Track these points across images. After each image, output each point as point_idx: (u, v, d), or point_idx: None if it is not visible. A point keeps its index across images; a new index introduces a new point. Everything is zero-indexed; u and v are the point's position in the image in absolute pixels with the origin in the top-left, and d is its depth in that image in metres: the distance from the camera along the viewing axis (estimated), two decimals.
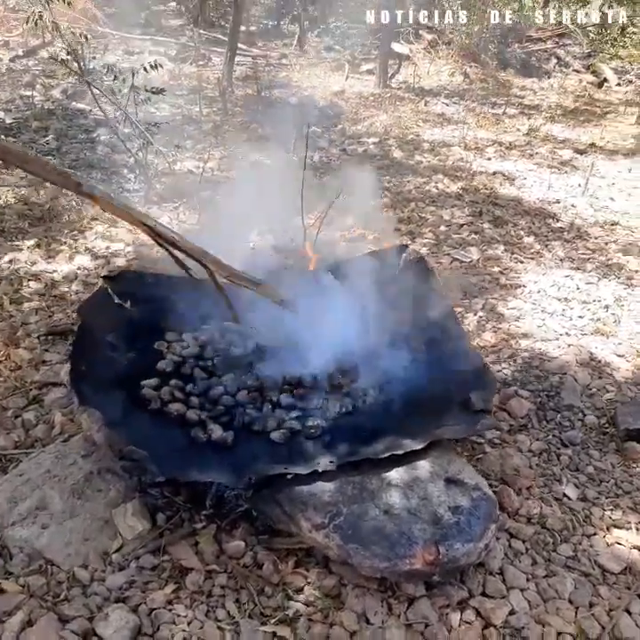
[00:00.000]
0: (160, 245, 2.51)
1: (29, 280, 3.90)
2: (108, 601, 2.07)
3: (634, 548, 2.42)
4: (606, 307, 4.02)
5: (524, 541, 2.42)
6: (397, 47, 11.26)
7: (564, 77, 11.59)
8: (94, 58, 8.41)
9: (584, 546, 2.43)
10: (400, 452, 2.23)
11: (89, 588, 2.11)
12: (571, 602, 2.20)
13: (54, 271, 4.02)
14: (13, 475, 2.47)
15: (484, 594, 2.20)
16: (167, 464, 2.19)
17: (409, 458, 2.27)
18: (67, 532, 2.27)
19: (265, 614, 2.08)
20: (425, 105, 8.95)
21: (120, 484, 2.44)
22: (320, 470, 2.21)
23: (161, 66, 7.22)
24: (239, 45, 9.87)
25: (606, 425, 3.08)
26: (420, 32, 12.33)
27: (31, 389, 3.02)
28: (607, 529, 2.51)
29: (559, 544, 2.43)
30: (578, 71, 11.94)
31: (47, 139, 6.31)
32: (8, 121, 6.67)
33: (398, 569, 2.04)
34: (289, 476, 2.20)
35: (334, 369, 2.67)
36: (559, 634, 2.08)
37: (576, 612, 2.17)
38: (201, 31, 10.51)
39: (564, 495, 2.66)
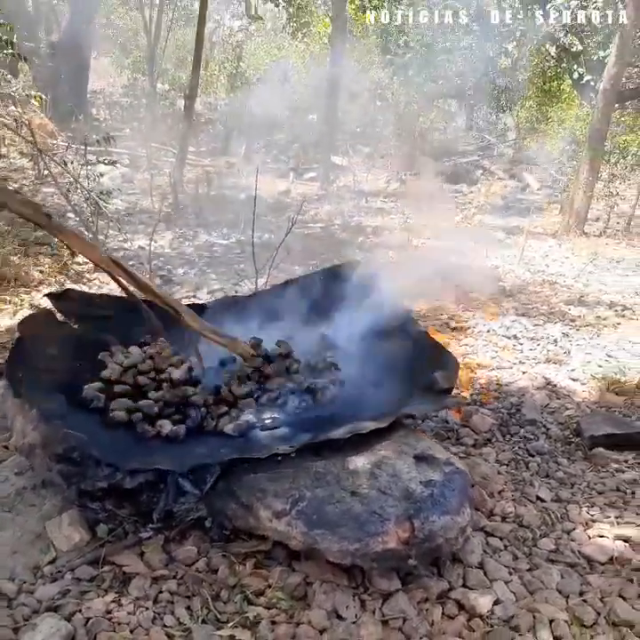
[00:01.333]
0: (122, 288, 2.50)
1: None
2: (36, 613, 1.78)
3: (617, 538, 2.28)
4: (555, 341, 4.10)
5: (501, 538, 2.26)
6: (337, 159, 12.10)
7: (490, 184, 12.59)
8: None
9: (565, 540, 2.28)
10: (363, 431, 2.10)
11: (15, 601, 1.82)
12: (559, 592, 2.03)
13: None
14: None
15: (465, 586, 2.00)
16: (110, 455, 1.99)
17: (374, 440, 2.13)
18: None
19: (221, 620, 1.81)
20: (365, 202, 9.47)
21: (56, 498, 2.19)
22: (279, 455, 2.04)
23: (115, 164, 7.53)
24: (189, 156, 10.39)
25: (571, 436, 3.02)
26: (358, 146, 13.34)
27: None
28: (586, 524, 2.37)
29: (539, 539, 2.28)
30: (502, 178, 13.03)
31: None
32: None
33: (370, 549, 1.84)
34: (245, 464, 2.02)
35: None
36: (551, 620, 1.88)
37: (567, 600, 1.99)
38: (153, 144, 11.06)
39: (538, 498, 2.53)
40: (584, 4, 12.43)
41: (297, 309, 2.85)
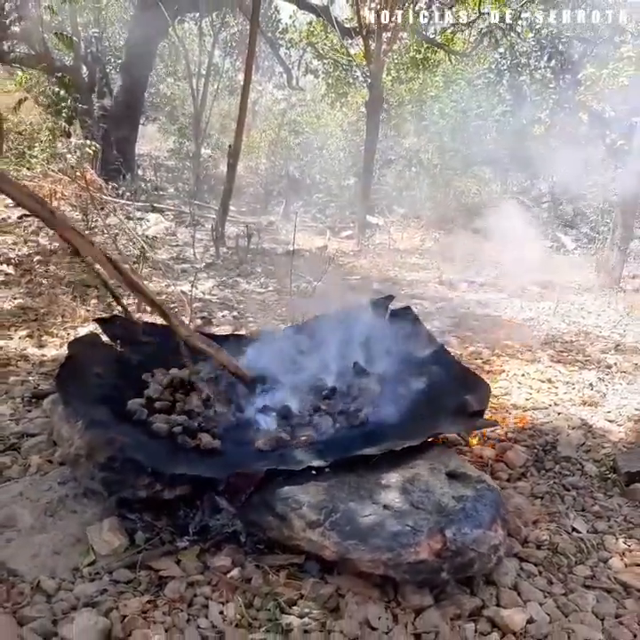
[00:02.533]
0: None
1: (18, 361, 3.89)
2: (74, 609, 1.83)
3: None
4: (591, 385, 4.08)
5: (536, 564, 2.24)
6: (372, 219, 12.41)
7: (522, 245, 12.70)
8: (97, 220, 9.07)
9: (601, 568, 2.25)
10: (396, 448, 2.14)
11: (54, 597, 1.88)
12: (595, 614, 1.99)
13: (43, 355, 4.02)
14: None
15: (498, 605, 1.98)
16: (152, 462, 2.07)
17: (407, 458, 2.17)
18: (35, 545, 2.07)
19: (253, 626, 1.83)
20: (400, 258, 9.66)
21: (97, 507, 2.27)
22: (313, 468, 2.10)
23: (163, 212, 7.92)
24: (230, 215, 10.81)
25: (607, 472, 2.98)
26: (394, 207, 13.69)
27: (9, 438, 2.88)
28: (623, 554, 2.33)
29: (574, 566, 2.25)
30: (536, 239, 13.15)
31: None
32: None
33: (403, 560, 1.86)
34: (281, 477, 2.08)
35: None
36: None
37: (603, 622, 1.95)
38: (195, 202, 11.59)
39: (573, 529, 2.50)
40: (615, 72, 12.83)
41: (333, 340, 2.95)
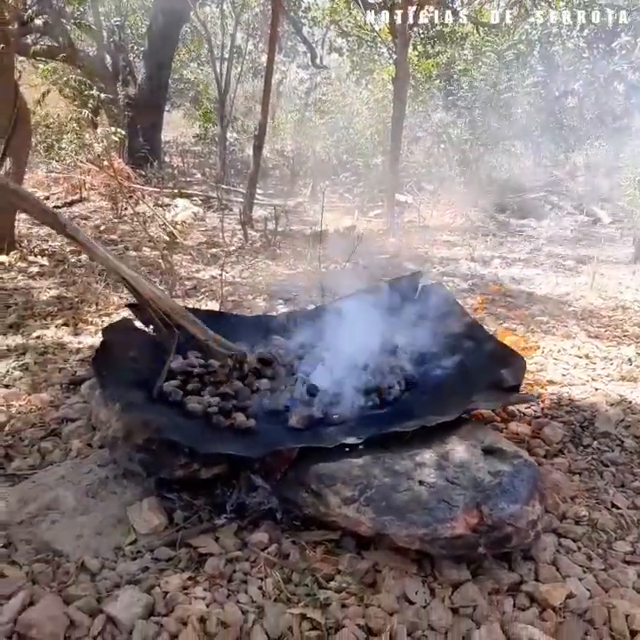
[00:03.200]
0: (137, 301, 2.66)
1: (55, 349, 3.98)
2: (118, 587, 1.88)
3: None
4: (630, 360, 3.98)
5: (575, 540, 2.21)
6: (401, 197, 12.26)
7: (559, 218, 12.41)
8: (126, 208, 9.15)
9: None
10: (430, 424, 2.13)
11: (98, 575, 1.93)
12: (636, 590, 1.96)
13: (79, 342, 4.10)
14: (26, 482, 2.36)
15: (537, 580, 1.97)
16: (188, 441, 2.10)
17: (441, 434, 2.16)
18: (78, 526, 2.12)
19: (292, 601, 1.86)
20: (430, 235, 9.54)
21: (136, 488, 2.31)
22: (347, 445, 2.10)
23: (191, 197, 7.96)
24: (257, 197, 10.81)
25: None
26: (423, 184, 13.51)
27: (50, 424, 2.96)
28: None
29: (614, 542, 2.22)
30: (571, 213, 12.82)
31: None
32: None
33: (439, 535, 1.86)
34: (315, 454, 2.09)
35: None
36: (627, 615, 1.82)
37: None
38: (222, 186, 11.62)
39: (613, 505, 2.46)
40: None
41: (363, 318, 2.93)
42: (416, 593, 1.86)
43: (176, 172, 13.76)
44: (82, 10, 11.45)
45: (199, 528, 2.14)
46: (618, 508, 2.44)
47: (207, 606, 1.81)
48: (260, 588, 1.91)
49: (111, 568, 1.96)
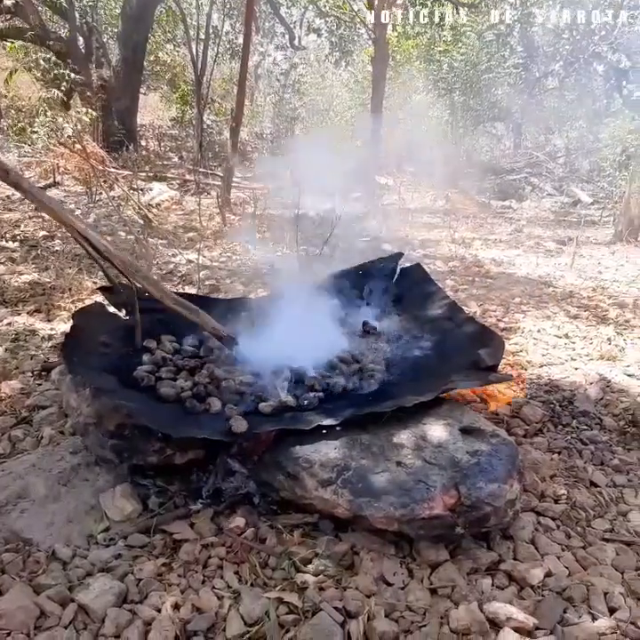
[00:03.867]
0: (88, 254, 2.55)
1: (27, 336, 3.88)
2: (90, 575, 1.83)
3: None
4: (609, 340, 3.99)
5: (553, 519, 2.20)
6: (382, 179, 12.20)
7: (539, 199, 12.45)
8: (101, 193, 8.98)
9: (620, 521, 2.21)
10: (407, 405, 2.10)
11: (70, 564, 1.88)
12: (615, 567, 1.96)
13: (52, 329, 4.01)
14: None
15: (515, 559, 1.96)
16: (162, 426, 2.05)
17: (419, 415, 2.13)
18: (49, 514, 2.06)
19: (269, 585, 1.83)
20: (411, 218, 9.50)
21: (109, 475, 2.26)
22: (324, 427, 2.06)
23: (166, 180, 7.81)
24: (235, 180, 10.66)
25: (626, 426, 2.92)
26: (403, 166, 13.44)
27: (21, 412, 2.88)
28: None
29: (593, 520, 2.22)
30: (552, 194, 12.85)
31: None
32: None
33: (416, 515, 1.83)
34: (292, 437, 2.05)
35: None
36: (606, 593, 1.82)
37: (623, 575, 1.92)
38: (200, 169, 11.46)
39: (592, 483, 2.46)
40: (630, 21, 12.32)
41: (341, 300, 2.89)
42: (394, 574, 1.84)
43: (152, 155, 13.55)
44: None
45: (174, 514, 2.09)
46: (597, 486, 2.44)
47: (182, 593, 1.78)
48: (237, 572, 1.88)
49: (83, 556, 1.91)
